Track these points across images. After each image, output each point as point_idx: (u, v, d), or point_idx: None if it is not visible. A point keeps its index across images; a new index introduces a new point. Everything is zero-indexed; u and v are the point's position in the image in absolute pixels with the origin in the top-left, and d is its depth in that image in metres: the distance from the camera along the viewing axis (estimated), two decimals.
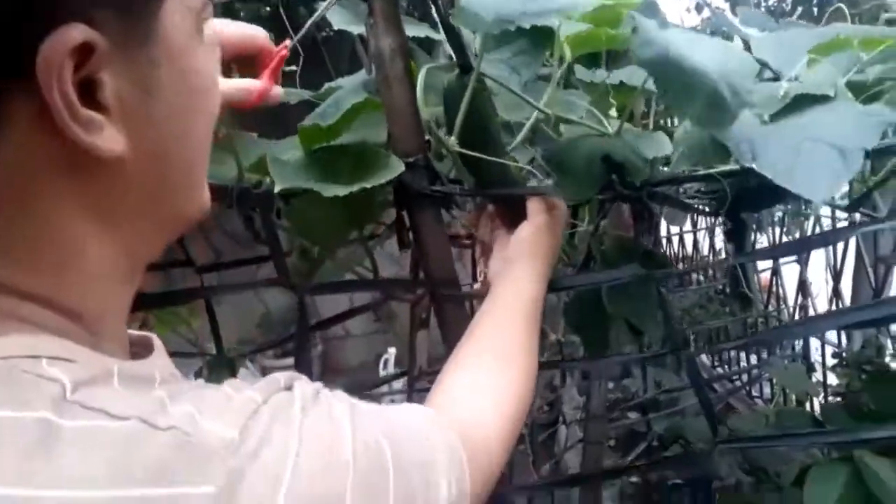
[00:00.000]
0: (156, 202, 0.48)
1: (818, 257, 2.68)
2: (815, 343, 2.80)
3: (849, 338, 2.42)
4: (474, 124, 0.86)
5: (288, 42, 0.92)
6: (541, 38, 1.03)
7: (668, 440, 2.57)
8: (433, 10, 0.87)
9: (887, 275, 2.31)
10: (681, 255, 3.70)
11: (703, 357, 3.40)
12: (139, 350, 0.51)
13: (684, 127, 0.99)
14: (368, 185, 0.80)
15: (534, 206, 0.89)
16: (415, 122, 0.86)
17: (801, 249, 1.14)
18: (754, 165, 0.75)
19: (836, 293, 2.55)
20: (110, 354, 0.43)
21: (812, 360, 2.84)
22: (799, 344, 2.90)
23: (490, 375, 0.74)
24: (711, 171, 0.90)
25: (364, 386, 2.30)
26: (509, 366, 0.76)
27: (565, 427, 2.32)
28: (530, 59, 1.02)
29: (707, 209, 1.09)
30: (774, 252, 0.99)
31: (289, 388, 0.46)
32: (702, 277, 3.46)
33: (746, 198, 1.04)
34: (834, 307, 2.57)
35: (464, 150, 0.84)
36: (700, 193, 1.12)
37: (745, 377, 3.03)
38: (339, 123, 0.86)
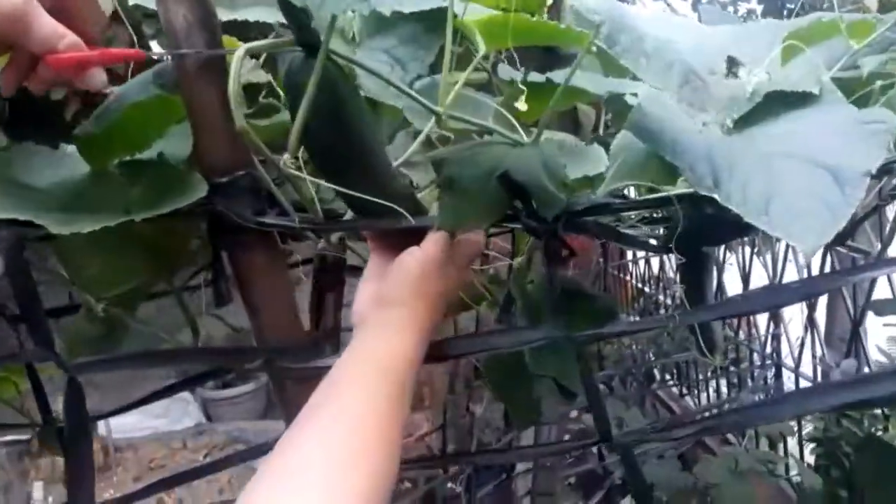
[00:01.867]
0: None
1: (791, 279, 2.47)
2: (787, 373, 2.60)
3: (825, 374, 2.20)
4: (330, 128, 0.61)
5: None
6: (436, 22, 0.78)
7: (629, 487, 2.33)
8: None
9: (867, 302, 2.10)
10: (646, 277, 3.48)
11: (671, 383, 3.18)
12: None
13: (622, 136, 0.74)
14: (137, 218, 0.54)
15: (434, 231, 0.64)
16: (229, 126, 0.60)
17: (772, 304, 0.90)
18: (716, 196, 0.51)
19: (811, 322, 2.34)
20: None
21: (784, 386, 2.64)
22: (771, 374, 2.69)
23: (315, 495, 0.47)
24: (651, 196, 0.66)
25: None
26: (347, 475, 0.49)
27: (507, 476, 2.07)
28: (420, 48, 0.78)
29: (654, 242, 0.85)
30: (741, 306, 0.75)
31: None
32: (669, 301, 3.24)
33: (703, 228, 0.79)
34: (808, 338, 2.36)
35: (293, 171, 0.58)
36: (646, 220, 0.88)
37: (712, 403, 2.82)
38: (119, 128, 0.59)
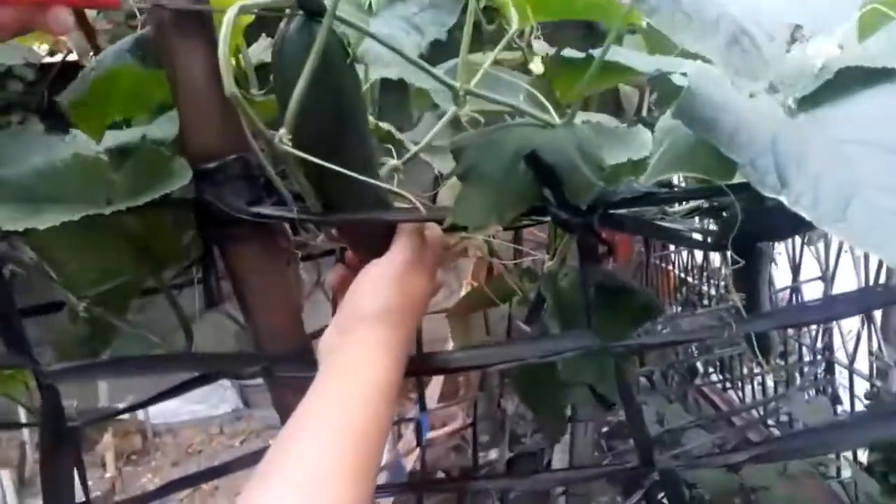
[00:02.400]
0: None
1: (846, 272, 2.33)
2: (840, 368, 2.46)
3: (883, 375, 2.06)
4: (321, 108, 0.53)
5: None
6: None
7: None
8: None
9: None
10: (689, 266, 3.34)
11: (714, 377, 3.05)
12: None
13: (668, 118, 0.65)
14: (106, 211, 0.47)
15: (402, 235, 0.58)
16: (218, 102, 0.53)
17: (827, 316, 0.79)
18: (783, 199, 0.43)
19: (869, 318, 2.20)
20: None
21: (836, 383, 2.51)
22: (822, 370, 2.55)
23: None
24: (702, 186, 0.57)
25: None
26: (326, 491, 0.45)
27: None
28: (442, 11, 0.69)
29: (705, 238, 0.76)
30: (796, 316, 0.67)
31: None
32: (713, 291, 3.11)
33: (762, 221, 0.70)
34: (865, 334, 2.22)
35: (293, 150, 0.51)
36: (695, 212, 0.78)
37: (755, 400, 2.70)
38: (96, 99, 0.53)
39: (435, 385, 3.05)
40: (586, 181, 0.51)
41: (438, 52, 0.72)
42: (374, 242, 0.58)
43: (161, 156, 0.53)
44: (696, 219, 0.82)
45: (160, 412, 4.00)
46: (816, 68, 0.63)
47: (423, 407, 1.49)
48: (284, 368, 0.58)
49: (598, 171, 0.52)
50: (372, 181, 0.53)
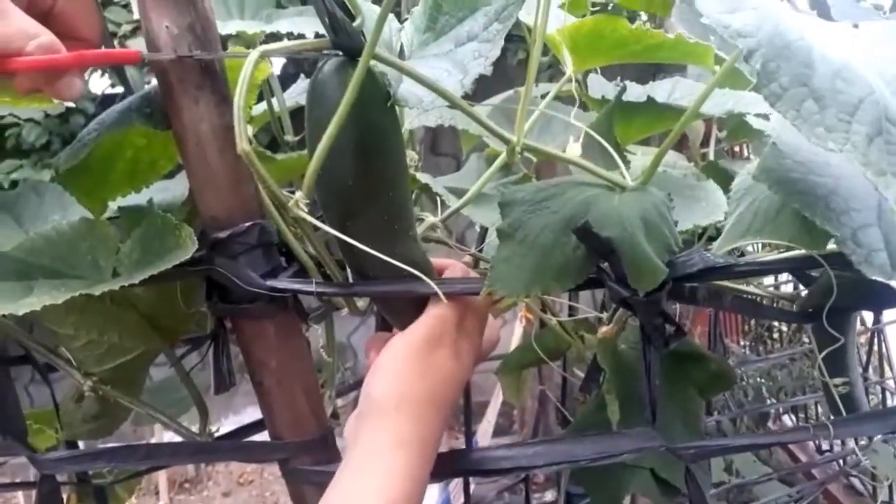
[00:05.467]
0: None
1: None
2: None
3: None
4: (353, 161, 0.47)
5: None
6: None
7: None
8: None
9: None
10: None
11: (787, 420, 2.87)
12: None
13: (746, 177, 0.56)
14: (96, 291, 0.42)
15: (434, 303, 0.51)
16: (231, 163, 0.47)
17: None
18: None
19: None
20: None
21: None
22: None
23: None
24: (789, 255, 0.48)
25: None
26: None
27: None
28: (482, 42, 0.62)
29: (790, 305, 0.66)
30: None
31: None
32: (784, 327, 2.93)
33: (858, 288, 0.60)
34: None
35: (306, 216, 0.45)
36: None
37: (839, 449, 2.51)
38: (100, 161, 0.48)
39: (488, 418, 2.96)
40: (649, 265, 0.43)
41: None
42: (407, 310, 0.51)
43: (169, 224, 0.47)
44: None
45: None
46: None
47: None
48: (304, 460, 0.52)
49: (666, 252, 0.44)
50: (392, 261, 0.46)
